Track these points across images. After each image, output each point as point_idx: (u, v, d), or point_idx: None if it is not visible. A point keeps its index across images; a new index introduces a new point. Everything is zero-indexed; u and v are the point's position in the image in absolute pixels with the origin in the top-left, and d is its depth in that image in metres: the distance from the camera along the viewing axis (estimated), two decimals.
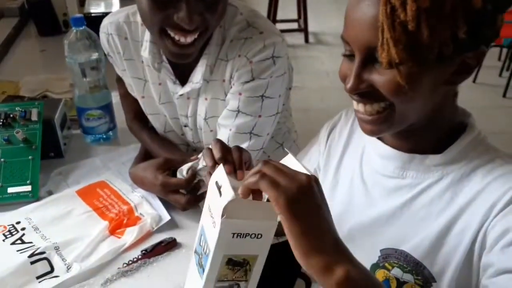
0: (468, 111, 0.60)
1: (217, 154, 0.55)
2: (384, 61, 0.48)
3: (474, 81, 3.42)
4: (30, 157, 0.92)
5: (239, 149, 0.57)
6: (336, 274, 0.41)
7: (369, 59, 0.51)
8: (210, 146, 0.57)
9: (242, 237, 0.47)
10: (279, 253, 0.56)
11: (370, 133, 0.57)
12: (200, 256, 0.51)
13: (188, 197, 0.82)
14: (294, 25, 4.05)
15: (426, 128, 0.57)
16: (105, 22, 0.90)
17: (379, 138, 0.63)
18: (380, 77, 0.51)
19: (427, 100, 0.53)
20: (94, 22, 1.45)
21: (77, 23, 0.94)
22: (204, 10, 0.71)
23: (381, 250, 0.61)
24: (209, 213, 0.50)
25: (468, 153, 0.56)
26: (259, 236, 0.48)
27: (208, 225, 0.50)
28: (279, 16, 3.89)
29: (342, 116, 0.73)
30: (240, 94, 0.81)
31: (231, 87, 0.82)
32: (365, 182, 0.65)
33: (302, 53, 3.78)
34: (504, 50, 3.34)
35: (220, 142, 0.57)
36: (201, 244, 0.52)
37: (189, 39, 0.74)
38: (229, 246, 0.48)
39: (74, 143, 1.07)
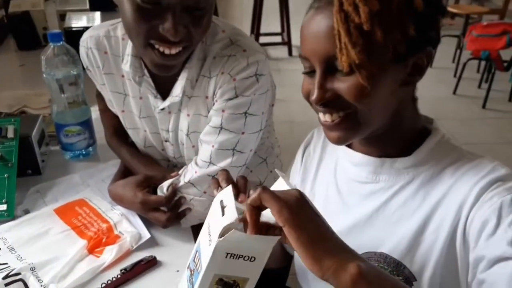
0: (430, 117, 0.64)
1: (227, 178, 0.56)
2: (344, 65, 0.51)
3: (454, 92, 3.49)
4: (5, 175, 0.90)
5: (244, 177, 0.58)
6: (350, 271, 0.43)
7: (329, 69, 0.54)
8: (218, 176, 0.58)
9: (236, 258, 0.47)
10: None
11: (337, 140, 0.58)
12: (192, 272, 0.52)
13: (168, 214, 0.80)
14: (278, 39, 4.10)
15: (391, 132, 0.60)
16: (85, 36, 0.89)
17: (350, 147, 0.65)
18: (342, 84, 0.54)
19: (388, 102, 0.56)
20: (75, 36, 1.44)
21: (54, 38, 0.93)
22: (189, 23, 0.72)
23: (361, 255, 0.62)
24: (208, 230, 0.51)
25: (435, 154, 0.59)
26: (252, 259, 0.48)
27: (205, 242, 0.50)
28: (263, 30, 3.92)
29: (314, 133, 0.77)
30: (223, 111, 0.81)
31: (214, 104, 0.82)
32: (340, 191, 0.67)
33: (286, 66, 3.81)
34: (483, 63, 3.43)
35: (226, 171, 0.58)
36: (195, 260, 0.52)
37: (174, 50, 0.73)
38: (221, 265, 0.48)
39: (52, 159, 1.05)
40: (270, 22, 4.17)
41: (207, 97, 0.83)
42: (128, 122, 0.94)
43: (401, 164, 0.60)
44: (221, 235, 0.46)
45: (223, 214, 0.49)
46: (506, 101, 3.21)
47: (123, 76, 0.88)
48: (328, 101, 0.55)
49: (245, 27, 4.11)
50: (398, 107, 0.57)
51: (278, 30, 4.13)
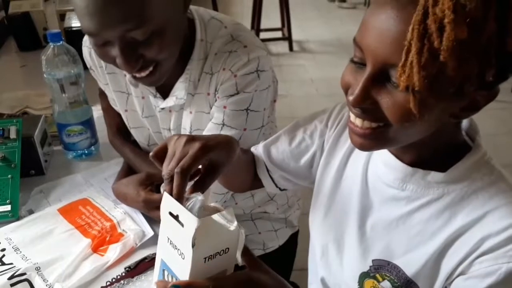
0: (476, 127, 0.58)
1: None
2: (402, 84, 0.44)
3: None
4: (9, 176, 0.90)
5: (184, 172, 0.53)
6: None
7: (381, 75, 0.47)
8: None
9: (213, 258, 0.47)
10: (267, 263, 0.56)
11: (359, 146, 0.54)
12: None
13: None
14: (278, 34, 4.08)
15: (426, 144, 0.54)
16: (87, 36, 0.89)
17: None
18: (388, 99, 0.47)
19: (429, 128, 0.51)
20: (75, 36, 1.46)
21: (54, 38, 0.93)
22: (144, 52, 0.70)
23: (373, 260, 0.61)
24: (170, 245, 0.49)
25: (471, 174, 0.54)
26: (227, 250, 0.47)
27: (172, 258, 0.49)
28: (263, 25, 3.91)
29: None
30: (225, 107, 0.80)
31: (216, 100, 0.82)
32: (368, 185, 0.63)
33: (287, 61, 3.80)
34: None
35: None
36: (166, 278, 0.51)
37: (143, 73, 0.74)
38: (202, 272, 0.47)
39: (55, 159, 1.05)
40: (271, 17, 4.16)
41: (208, 94, 0.83)
42: (132, 121, 0.94)
43: (433, 178, 0.55)
44: (194, 244, 0.44)
45: (182, 225, 0.46)
46: (509, 91, 3.19)
47: (125, 75, 0.88)
48: (365, 108, 0.49)
49: (246, 22, 4.09)
50: (440, 129, 0.52)
51: (279, 25, 4.11)
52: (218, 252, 0.47)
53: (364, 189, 0.63)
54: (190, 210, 0.47)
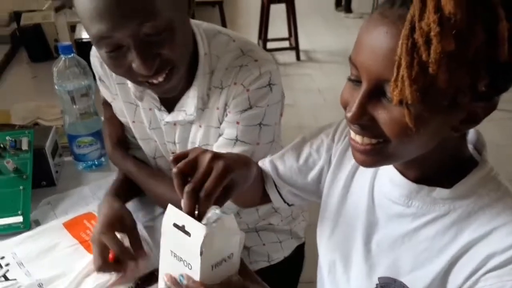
0: (483, 141, 0.57)
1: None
2: (395, 98, 0.44)
3: None
4: (21, 187, 0.91)
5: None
6: None
7: (376, 91, 0.48)
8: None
9: (219, 265, 0.47)
10: (273, 275, 0.56)
11: (362, 163, 0.54)
12: None
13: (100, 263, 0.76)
14: (285, 44, 4.10)
15: (431, 159, 0.54)
16: None
17: None
18: (385, 114, 0.48)
19: (429, 142, 0.50)
20: (85, 47, 1.47)
21: (65, 51, 0.94)
22: (159, 51, 0.69)
23: (379, 278, 0.60)
24: (174, 258, 0.49)
25: (477, 190, 0.53)
26: (231, 256, 0.48)
27: (178, 271, 0.49)
28: (270, 35, 3.93)
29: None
30: (237, 123, 0.80)
31: (227, 115, 0.81)
32: (374, 201, 0.63)
33: (294, 71, 3.82)
34: None
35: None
36: None
37: (160, 78, 0.72)
38: (210, 279, 0.47)
39: (66, 170, 1.06)
40: (278, 27, 4.18)
41: (217, 108, 0.82)
42: (139, 132, 0.94)
43: (439, 194, 0.54)
44: (202, 253, 0.45)
45: (189, 235, 0.47)
46: None
47: (133, 86, 0.89)
48: (363, 125, 0.50)
49: (253, 33, 4.13)
50: (442, 143, 0.51)
51: (286, 35, 4.14)
52: (224, 259, 0.47)
53: (370, 206, 0.63)
54: (207, 224, 0.48)
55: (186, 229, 0.47)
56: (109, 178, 1.02)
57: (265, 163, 0.76)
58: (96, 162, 1.07)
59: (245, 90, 0.78)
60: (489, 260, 0.50)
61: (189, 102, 0.82)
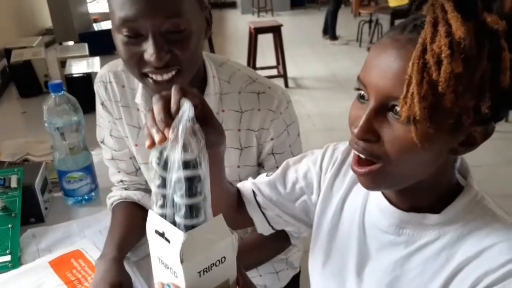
0: (467, 166, 0.59)
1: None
2: (403, 115, 0.47)
3: None
4: (9, 225, 0.90)
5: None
6: None
7: (383, 108, 0.50)
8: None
9: (208, 271, 0.45)
10: None
11: (367, 187, 0.56)
12: None
13: None
14: (274, 72, 4.18)
15: (425, 188, 0.56)
16: (103, 71, 0.93)
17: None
18: (390, 131, 0.50)
19: (430, 163, 0.52)
20: (75, 82, 1.50)
21: (55, 88, 0.95)
22: (173, 47, 0.74)
23: None
24: (162, 266, 0.47)
25: (465, 215, 0.55)
26: (223, 259, 0.46)
27: (168, 279, 0.47)
28: (259, 64, 4.01)
29: (345, 150, 0.70)
30: (290, 145, 0.90)
31: (263, 141, 0.88)
32: (365, 231, 0.63)
33: None
34: None
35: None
36: None
37: (166, 76, 0.76)
38: (199, 286, 0.45)
39: (55, 206, 1.05)
40: (266, 55, 4.27)
41: (239, 130, 0.88)
42: (141, 156, 0.95)
43: (429, 220, 0.56)
44: (182, 260, 0.43)
45: (169, 242, 0.45)
46: (503, 122, 3.23)
47: (138, 109, 0.91)
48: (368, 140, 0.52)
49: (242, 62, 4.16)
50: (439, 169, 0.54)
51: (274, 63, 4.22)
52: (213, 264, 0.45)
53: (361, 236, 0.63)
54: (179, 122, 0.47)
55: (166, 236, 0.46)
56: (98, 215, 1.02)
57: (245, 185, 0.75)
58: (86, 197, 1.06)
59: (278, 113, 0.87)
60: (484, 278, 0.51)
61: None
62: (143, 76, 0.77)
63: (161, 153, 0.49)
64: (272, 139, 0.89)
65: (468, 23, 0.45)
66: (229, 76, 0.87)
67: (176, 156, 0.46)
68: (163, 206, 0.48)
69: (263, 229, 0.76)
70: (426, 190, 0.56)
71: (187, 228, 0.46)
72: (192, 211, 0.46)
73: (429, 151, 0.49)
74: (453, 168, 0.58)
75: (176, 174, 0.46)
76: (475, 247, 0.53)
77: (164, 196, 0.48)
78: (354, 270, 0.63)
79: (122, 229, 0.90)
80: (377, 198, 0.61)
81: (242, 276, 0.53)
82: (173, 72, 0.76)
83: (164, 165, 0.48)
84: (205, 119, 0.53)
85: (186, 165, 0.46)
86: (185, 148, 0.46)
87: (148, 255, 0.86)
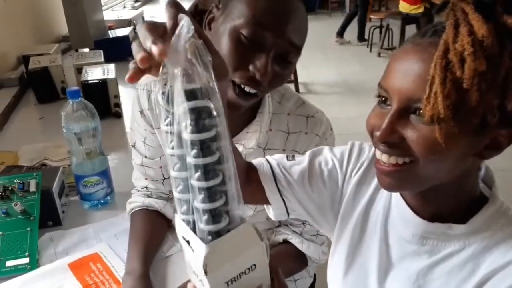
0: (493, 176, 0.59)
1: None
2: (427, 114, 0.47)
3: None
4: (28, 228, 0.93)
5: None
6: None
7: (405, 111, 0.50)
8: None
9: (237, 279, 0.42)
10: None
11: (388, 186, 0.55)
12: None
13: None
14: None
15: (448, 194, 0.56)
16: (149, 79, 0.92)
17: (402, 196, 0.61)
18: (414, 132, 0.50)
19: (455, 166, 0.52)
20: (91, 88, 1.53)
21: (73, 95, 0.98)
22: (277, 68, 0.75)
23: None
24: (191, 270, 0.46)
25: (490, 225, 0.55)
26: (253, 267, 0.43)
27: (198, 285, 0.46)
28: None
29: (371, 150, 0.68)
30: None
31: None
32: (387, 241, 0.63)
33: None
34: None
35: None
36: None
37: (252, 90, 0.76)
38: None
39: (72, 209, 1.08)
40: None
41: (284, 150, 0.89)
42: None
43: (455, 231, 0.56)
44: (206, 272, 0.40)
45: (193, 251, 0.43)
46: None
47: None
48: (392, 143, 0.52)
49: None
50: (463, 174, 0.54)
51: None
52: (243, 272, 0.42)
53: (383, 244, 0.63)
54: (178, 37, 0.40)
55: (191, 245, 0.44)
56: (114, 219, 1.04)
57: (264, 163, 0.70)
58: (102, 201, 1.08)
59: (324, 139, 0.89)
60: None
61: (250, 136, 0.87)
62: (234, 77, 0.75)
63: (165, 85, 0.43)
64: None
65: (489, 24, 0.45)
66: (280, 97, 0.90)
67: (178, 85, 0.39)
68: (187, 211, 0.44)
69: (278, 211, 0.71)
70: (449, 196, 0.56)
71: (211, 235, 0.42)
72: (214, 208, 0.41)
73: (453, 151, 0.49)
74: (476, 176, 0.57)
75: (182, 106, 0.40)
76: (502, 258, 0.53)
77: (187, 202, 0.44)
78: (376, 279, 0.63)
79: (145, 241, 0.89)
80: (400, 206, 0.61)
81: (278, 281, 0.50)
82: (254, 91, 0.77)
83: (170, 99, 0.42)
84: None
85: (192, 94, 0.39)
86: (190, 70, 0.39)
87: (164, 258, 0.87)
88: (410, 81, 0.49)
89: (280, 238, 0.96)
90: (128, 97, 1.64)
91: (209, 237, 0.42)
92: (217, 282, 0.42)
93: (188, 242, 0.44)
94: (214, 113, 0.40)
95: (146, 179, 0.98)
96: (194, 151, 0.40)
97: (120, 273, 0.86)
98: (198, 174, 0.41)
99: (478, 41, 0.45)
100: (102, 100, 1.53)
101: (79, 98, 0.99)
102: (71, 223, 1.03)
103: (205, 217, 0.42)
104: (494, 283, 0.52)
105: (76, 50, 2.16)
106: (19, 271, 0.87)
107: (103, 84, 1.53)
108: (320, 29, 7.22)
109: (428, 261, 0.57)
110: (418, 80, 0.48)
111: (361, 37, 6.10)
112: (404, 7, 5.05)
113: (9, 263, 0.88)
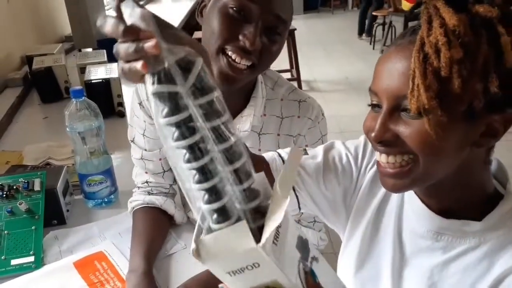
0: (506, 173, 0.59)
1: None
2: (413, 107, 0.48)
3: None
4: (33, 227, 0.93)
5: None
6: None
7: (396, 109, 0.52)
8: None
9: (240, 272, 0.41)
10: None
11: (392, 188, 0.56)
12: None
13: None
14: (287, 75, 4.19)
15: (454, 188, 0.56)
16: None
17: (414, 192, 0.60)
18: (406, 128, 0.51)
19: (453, 157, 0.52)
20: (95, 88, 1.54)
21: (76, 94, 0.98)
22: (264, 41, 0.79)
23: None
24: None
25: (506, 222, 0.55)
26: (256, 265, 0.41)
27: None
28: (273, 67, 4.00)
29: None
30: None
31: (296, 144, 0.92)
32: (401, 237, 0.63)
33: None
34: None
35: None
36: None
37: (243, 62, 0.79)
38: (240, 283, 0.42)
39: (76, 208, 1.09)
40: (279, 59, 4.27)
41: (278, 135, 0.92)
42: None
43: (471, 228, 0.56)
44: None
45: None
46: None
47: None
48: (388, 141, 0.53)
49: None
50: (467, 166, 0.54)
51: (287, 67, 4.23)
52: (244, 267, 0.41)
53: (397, 240, 0.63)
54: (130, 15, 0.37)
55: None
56: (117, 217, 1.05)
57: (276, 158, 0.68)
58: (106, 200, 1.09)
59: (316, 123, 0.92)
60: None
61: (244, 120, 0.90)
62: (220, 52, 0.79)
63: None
64: (306, 146, 0.91)
65: (460, 15, 0.47)
66: (273, 84, 0.94)
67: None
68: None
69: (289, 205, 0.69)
70: (455, 191, 0.56)
71: (216, 213, 0.40)
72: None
73: (448, 142, 0.49)
74: (484, 170, 0.57)
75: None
76: None
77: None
78: (390, 275, 0.63)
79: (148, 239, 0.90)
80: (413, 202, 0.60)
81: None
82: (249, 63, 0.79)
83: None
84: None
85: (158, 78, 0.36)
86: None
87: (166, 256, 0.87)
88: (395, 79, 0.51)
89: None
90: (131, 96, 1.65)
91: (215, 215, 0.40)
92: (217, 271, 0.42)
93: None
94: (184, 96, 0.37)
95: (146, 173, 0.99)
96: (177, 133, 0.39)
97: (125, 271, 0.87)
98: (187, 156, 0.40)
99: (451, 31, 0.46)
100: (105, 99, 1.54)
101: (83, 98, 1.00)
102: (75, 222, 1.03)
103: (206, 196, 0.40)
104: (511, 282, 0.52)
105: (79, 50, 2.17)
106: (24, 269, 0.88)
107: (106, 83, 1.54)
108: (322, 27, 7.21)
109: (443, 257, 0.57)
110: (402, 77, 0.50)
111: (362, 32, 6.13)
112: (406, 6, 5.03)
113: (14, 262, 0.89)
